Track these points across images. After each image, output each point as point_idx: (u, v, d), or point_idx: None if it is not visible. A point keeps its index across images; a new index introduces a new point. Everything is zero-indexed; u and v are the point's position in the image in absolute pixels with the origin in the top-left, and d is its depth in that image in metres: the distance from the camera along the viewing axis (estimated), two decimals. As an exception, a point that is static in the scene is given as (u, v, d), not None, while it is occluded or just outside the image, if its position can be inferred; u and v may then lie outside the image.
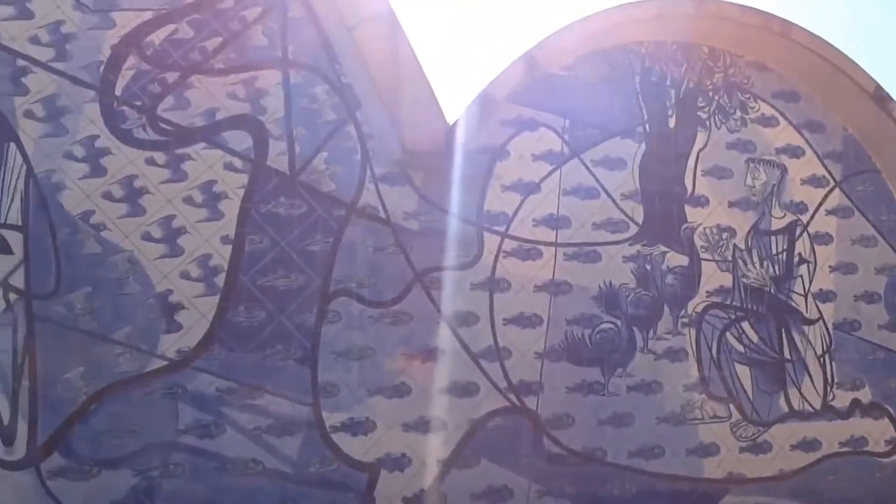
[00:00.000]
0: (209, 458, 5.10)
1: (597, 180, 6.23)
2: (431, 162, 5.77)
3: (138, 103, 5.30)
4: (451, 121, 5.81)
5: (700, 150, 6.52)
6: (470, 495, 5.58)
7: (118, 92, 5.27)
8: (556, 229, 6.05)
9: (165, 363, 5.10)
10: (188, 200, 5.27)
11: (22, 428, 4.86)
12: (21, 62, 5.16)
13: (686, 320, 6.25)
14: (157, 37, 5.40)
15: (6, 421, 4.83)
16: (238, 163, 5.42)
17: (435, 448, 5.51)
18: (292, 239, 5.45)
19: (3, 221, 4.95)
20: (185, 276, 5.21)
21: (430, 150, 5.76)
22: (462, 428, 5.61)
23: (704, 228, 6.42)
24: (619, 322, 6.12)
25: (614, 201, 6.25)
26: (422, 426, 5.51)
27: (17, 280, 4.94)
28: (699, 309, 6.31)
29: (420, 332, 5.61)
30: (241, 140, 5.44)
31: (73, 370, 4.94)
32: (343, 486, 5.34)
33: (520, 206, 6.00)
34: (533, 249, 5.98)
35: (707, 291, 6.35)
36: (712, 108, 6.61)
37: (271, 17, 5.65)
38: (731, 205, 6.51)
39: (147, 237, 5.18)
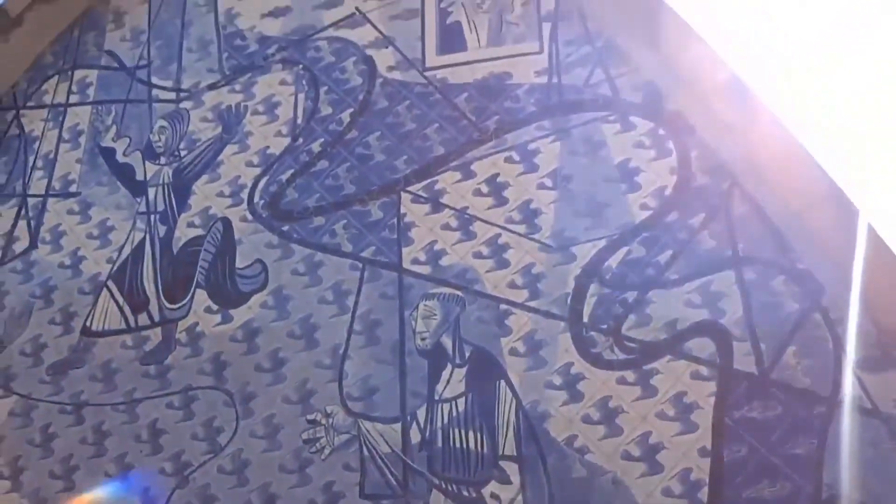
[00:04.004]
0: None
1: None
2: (918, 338, 5.15)
3: (604, 326, 5.62)
4: (933, 292, 5.18)
5: None
6: None
7: (585, 319, 5.67)
8: None
9: (664, 583, 5.06)
10: (661, 415, 5.34)
11: None
12: (503, 306, 5.85)
13: None
14: (614, 261, 5.76)
15: None
16: (704, 370, 5.39)
17: None
18: (772, 443, 5.17)
19: (501, 453, 5.48)
20: (667, 492, 5.20)
21: (913, 326, 5.16)
22: None
23: None
24: None
25: None
26: None
27: (519, 509, 5.39)
28: None
29: (946, 541, 4.84)
30: (704, 347, 5.44)
31: None
32: None
33: None
34: None
35: None
36: None
37: (716, 220, 5.71)
38: None
39: (627, 456, 5.32)
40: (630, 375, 5.47)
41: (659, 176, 5.89)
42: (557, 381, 5.58)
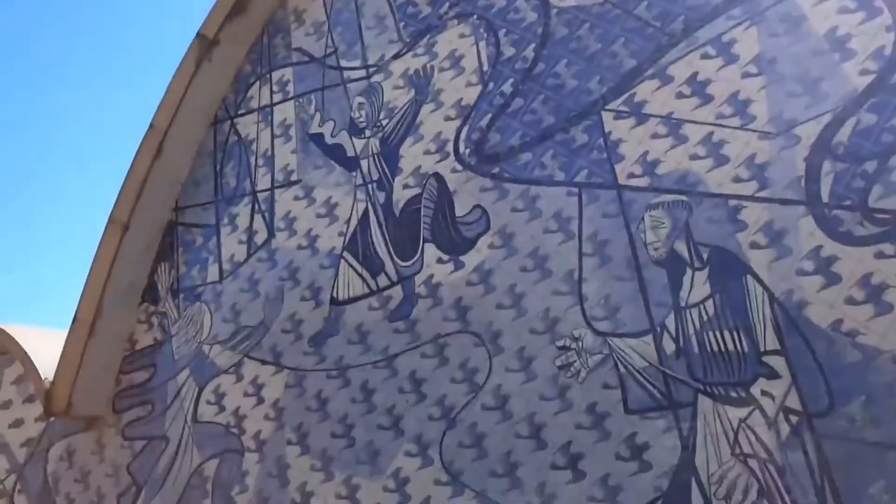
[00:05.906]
0: None
1: None
2: None
3: (848, 203, 4.91)
4: None
5: None
6: None
7: (825, 199, 4.97)
8: None
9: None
10: (935, 283, 4.58)
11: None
12: (733, 202, 5.25)
13: None
14: (843, 134, 5.01)
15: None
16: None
17: None
18: None
19: (763, 349, 4.94)
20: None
21: None
22: None
23: None
24: None
25: None
26: None
27: (793, 401, 4.80)
28: None
29: None
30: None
31: (873, 484, 4.49)
32: None
33: None
34: None
35: None
36: None
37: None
38: None
39: (905, 332, 4.61)
40: (888, 248, 4.73)
41: (874, 37, 5.07)
42: (809, 266, 4.92)
